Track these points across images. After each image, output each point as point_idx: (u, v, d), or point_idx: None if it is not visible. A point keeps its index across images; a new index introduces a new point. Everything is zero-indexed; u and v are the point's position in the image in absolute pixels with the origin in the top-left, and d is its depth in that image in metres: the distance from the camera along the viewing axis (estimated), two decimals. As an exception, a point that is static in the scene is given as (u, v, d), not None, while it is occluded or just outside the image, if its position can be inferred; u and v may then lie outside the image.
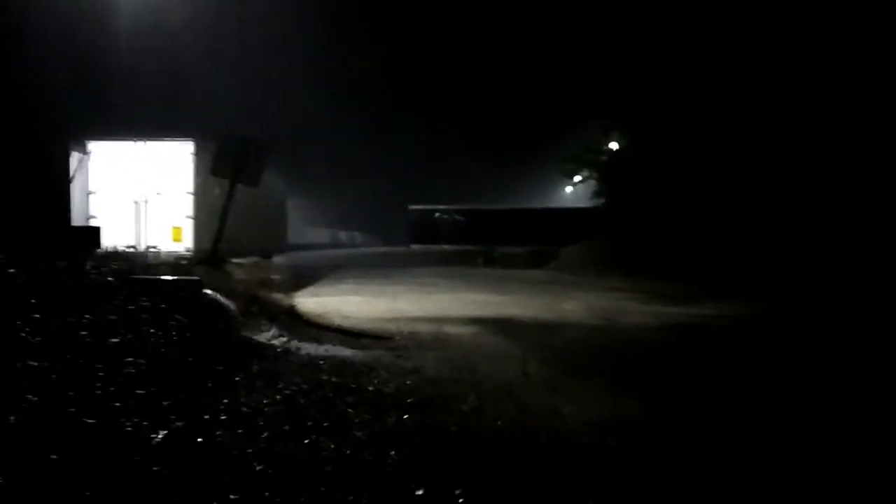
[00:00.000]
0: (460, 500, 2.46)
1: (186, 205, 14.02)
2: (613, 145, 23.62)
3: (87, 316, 4.00)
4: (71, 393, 3.00)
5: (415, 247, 32.83)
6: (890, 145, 12.22)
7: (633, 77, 19.78)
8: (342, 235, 63.28)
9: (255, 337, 5.53)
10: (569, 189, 39.41)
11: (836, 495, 2.66)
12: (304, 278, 13.00)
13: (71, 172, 12.17)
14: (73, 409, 2.86)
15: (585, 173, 25.63)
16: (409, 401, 3.85)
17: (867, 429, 3.53)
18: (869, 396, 4.27)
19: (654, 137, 19.43)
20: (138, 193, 14.00)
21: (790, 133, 14.37)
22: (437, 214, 34.62)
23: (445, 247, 29.70)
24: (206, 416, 3.27)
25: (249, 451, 2.87)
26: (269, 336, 5.74)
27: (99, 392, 3.15)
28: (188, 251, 13.40)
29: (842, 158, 13.17)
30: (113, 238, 12.77)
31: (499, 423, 3.49)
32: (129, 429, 2.90)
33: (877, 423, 3.63)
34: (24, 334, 3.43)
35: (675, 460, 3.00)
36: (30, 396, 2.83)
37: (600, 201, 23.56)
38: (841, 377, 4.89)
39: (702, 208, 16.82)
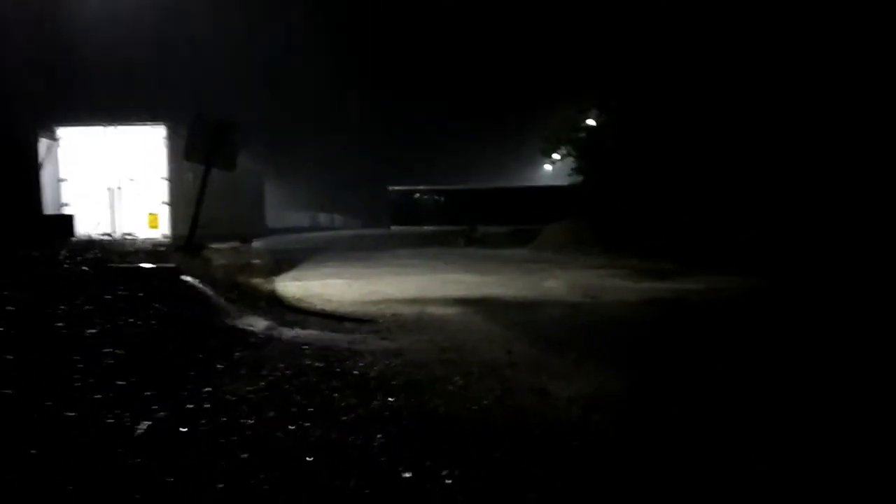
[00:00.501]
0: (448, 482, 2.47)
1: (161, 191, 13.77)
2: (591, 122, 23.61)
3: (62, 306, 3.93)
4: (49, 386, 2.95)
5: (395, 228, 32.78)
6: (859, 126, 12.37)
7: (611, 55, 19.74)
8: (322, 218, 62.86)
9: (236, 323, 5.46)
10: (548, 167, 39.47)
11: (821, 479, 2.72)
12: (285, 262, 12.90)
13: (40, 160, 11.90)
14: (51, 403, 2.81)
15: (564, 151, 25.62)
16: (394, 383, 3.84)
17: (849, 404, 3.61)
18: (844, 368, 4.36)
19: (631, 115, 19.47)
20: (111, 180, 13.71)
21: (762, 117, 14.46)
22: (417, 195, 34.55)
23: (426, 227, 29.68)
24: (190, 406, 3.24)
25: (234, 439, 2.84)
26: (251, 322, 5.66)
27: (78, 384, 3.10)
28: (165, 238, 13.19)
29: (814, 141, 13.30)
30: (87, 226, 12.53)
31: (485, 402, 3.50)
32: (111, 421, 2.86)
33: (853, 394, 3.72)
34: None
35: (658, 436, 3.04)
36: (5, 390, 2.78)
37: (579, 179, 23.61)
38: (818, 350, 4.98)
39: (676, 186, 16.96)
